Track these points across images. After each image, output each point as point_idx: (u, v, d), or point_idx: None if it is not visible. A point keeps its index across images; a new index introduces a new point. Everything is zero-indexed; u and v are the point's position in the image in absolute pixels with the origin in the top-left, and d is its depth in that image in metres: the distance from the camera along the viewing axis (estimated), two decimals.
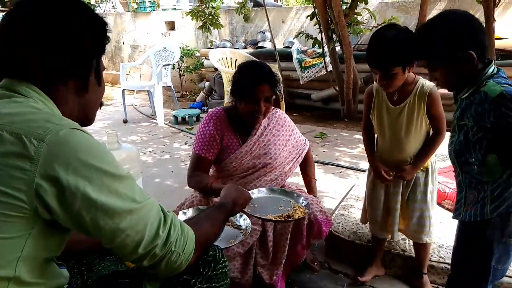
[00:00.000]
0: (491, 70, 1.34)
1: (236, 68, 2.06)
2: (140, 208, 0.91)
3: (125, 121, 5.63)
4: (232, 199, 1.44)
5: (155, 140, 4.78)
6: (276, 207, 1.79)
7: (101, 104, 1.11)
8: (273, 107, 2.14)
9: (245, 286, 1.88)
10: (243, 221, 1.59)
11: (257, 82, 1.90)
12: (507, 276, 1.84)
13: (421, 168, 1.87)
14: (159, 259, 0.95)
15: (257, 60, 2.09)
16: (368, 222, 2.13)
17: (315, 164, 3.81)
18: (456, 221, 1.53)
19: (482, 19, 4.17)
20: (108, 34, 1.03)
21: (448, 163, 3.41)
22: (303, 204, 1.80)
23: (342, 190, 3.17)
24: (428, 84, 1.77)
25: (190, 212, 1.68)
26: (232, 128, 2.06)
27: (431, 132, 1.85)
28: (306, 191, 2.25)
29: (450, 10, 1.42)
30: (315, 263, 2.22)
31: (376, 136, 2.01)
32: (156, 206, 0.97)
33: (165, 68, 5.72)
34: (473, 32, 1.32)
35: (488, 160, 1.32)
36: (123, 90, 5.72)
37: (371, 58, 1.71)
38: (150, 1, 8.37)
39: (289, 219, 1.69)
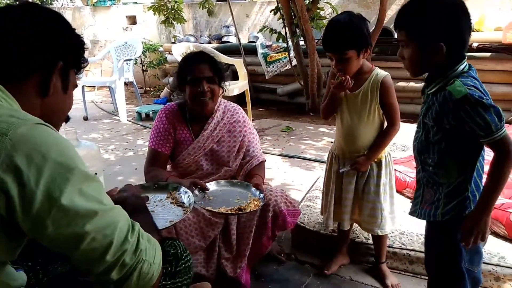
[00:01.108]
0: (461, 67, 1.27)
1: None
2: (108, 211, 0.86)
3: (85, 119, 5.44)
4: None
5: (118, 137, 4.65)
6: (232, 199, 1.77)
7: (68, 119, 1.07)
8: (233, 105, 2.13)
9: (209, 279, 1.85)
10: (187, 198, 1.55)
11: (195, 62, 1.92)
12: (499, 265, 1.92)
13: (375, 160, 1.89)
14: (129, 270, 0.87)
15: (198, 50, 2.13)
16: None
17: (281, 157, 3.89)
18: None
19: None
20: (84, 50, 1.04)
21: (409, 153, 3.52)
22: (260, 197, 1.78)
23: (307, 182, 3.20)
24: (382, 73, 1.81)
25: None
26: (185, 122, 2.04)
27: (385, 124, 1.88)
28: (269, 184, 2.24)
29: None
30: (282, 255, 2.23)
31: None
32: (124, 213, 0.92)
33: (126, 63, 5.57)
34: (459, 30, 1.25)
35: (445, 162, 1.31)
36: (83, 87, 5.52)
37: (326, 42, 1.75)
38: None
39: (240, 212, 1.69)
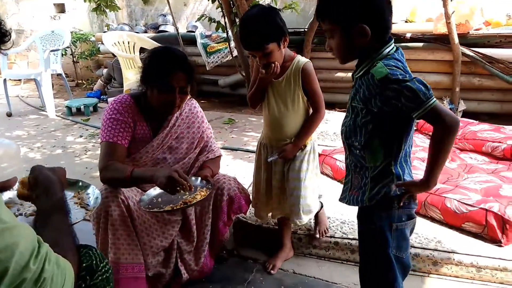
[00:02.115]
0: (387, 50, 1.26)
1: (147, 53, 1.85)
2: (5, 230, 0.71)
3: (9, 115, 4.98)
4: None
5: (45, 134, 4.29)
6: (180, 196, 1.70)
7: None
8: (190, 99, 1.98)
9: (167, 278, 1.84)
10: (95, 200, 1.42)
11: (172, 69, 1.71)
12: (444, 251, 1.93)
13: (301, 146, 1.90)
14: None
15: (170, 46, 1.90)
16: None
17: (224, 150, 3.79)
18: None
19: None
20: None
21: None
22: (207, 186, 1.75)
23: (250, 175, 3.09)
24: (303, 59, 1.83)
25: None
26: (143, 118, 1.85)
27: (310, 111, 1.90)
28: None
29: None
30: (223, 252, 2.14)
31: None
32: (29, 233, 0.77)
33: (54, 54, 5.15)
34: (376, 8, 1.22)
35: (372, 144, 1.29)
36: (5, 80, 5.04)
37: (244, 42, 1.74)
38: None
39: (186, 205, 1.65)
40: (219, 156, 2.05)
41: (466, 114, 4.30)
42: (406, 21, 5.05)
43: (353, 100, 1.32)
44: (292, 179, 1.91)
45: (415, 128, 3.41)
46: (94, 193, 1.44)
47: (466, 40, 4.30)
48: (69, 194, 1.43)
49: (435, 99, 1.18)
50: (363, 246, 1.43)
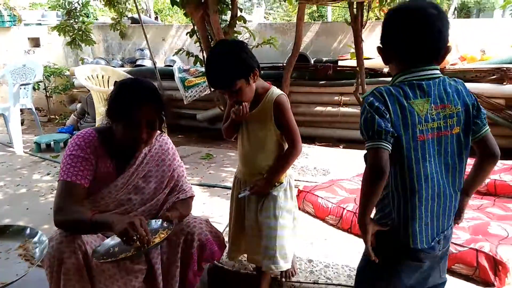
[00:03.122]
0: (400, 78, 1.24)
1: (114, 85, 1.68)
2: None
3: None
4: None
5: (10, 172, 4.03)
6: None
7: None
8: (160, 134, 1.82)
9: None
10: (41, 251, 1.25)
11: (139, 102, 1.56)
12: None
13: (276, 183, 1.79)
14: None
15: (140, 78, 1.76)
16: None
17: (200, 187, 3.62)
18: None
19: (352, 39, 4.43)
20: None
21: (330, 177, 3.45)
22: (169, 227, 1.57)
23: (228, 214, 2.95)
24: (277, 91, 1.75)
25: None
26: (108, 154, 1.67)
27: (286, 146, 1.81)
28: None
29: None
30: None
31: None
32: None
33: (24, 88, 4.96)
34: (395, 33, 1.24)
35: None
36: None
37: (210, 81, 1.70)
38: (9, 15, 7.35)
39: (140, 250, 1.43)
40: (191, 197, 1.87)
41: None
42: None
43: None
44: (266, 218, 1.76)
45: None
46: (41, 243, 1.27)
47: (443, 74, 4.34)
48: (15, 244, 1.26)
49: (374, 144, 1.16)
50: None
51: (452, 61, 4.41)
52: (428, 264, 1.28)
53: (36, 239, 1.27)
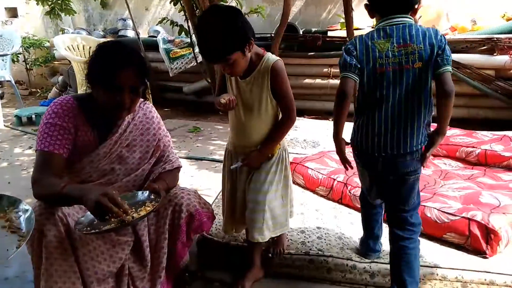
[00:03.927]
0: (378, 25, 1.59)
1: (94, 48, 1.56)
2: None
3: None
4: None
5: None
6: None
7: None
8: (144, 102, 1.74)
9: None
10: (27, 221, 1.17)
11: (121, 66, 1.46)
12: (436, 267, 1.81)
13: (269, 155, 1.71)
14: None
15: (120, 39, 1.64)
16: None
17: (188, 160, 3.56)
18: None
19: (342, 9, 4.30)
20: None
21: (320, 149, 3.41)
22: (153, 199, 1.51)
23: (217, 187, 2.88)
24: (273, 58, 1.63)
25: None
26: (88, 122, 1.58)
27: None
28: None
29: None
30: (185, 274, 1.90)
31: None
32: None
33: (1, 60, 4.76)
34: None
35: None
36: None
37: (203, 53, 1.55)
38: None
39: (124, 223, 1.35)
40: (178, 168, 1.79)
41: (433, 119, 4.26)
42: (373, 27, 5.01)
43: None
44: (254, 192, 1.70)
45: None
46: (25, 211, 1.18)
47: None
48: None
49: (343, 74, 1.53)
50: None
51: (442, 31, 4.34)
52: (380, 165, 1.61)
53: (19, 207, 1.18)
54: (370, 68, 1.50)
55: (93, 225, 1.41)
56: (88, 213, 1.45)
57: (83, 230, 1.36)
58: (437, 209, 2.03)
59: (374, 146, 1.57)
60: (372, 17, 1.59)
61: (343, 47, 1.57)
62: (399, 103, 1.50)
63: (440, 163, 2.95)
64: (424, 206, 2.06)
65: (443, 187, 2.44)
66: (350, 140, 1.67)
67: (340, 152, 1.63)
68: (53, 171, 1.48)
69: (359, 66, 1.51)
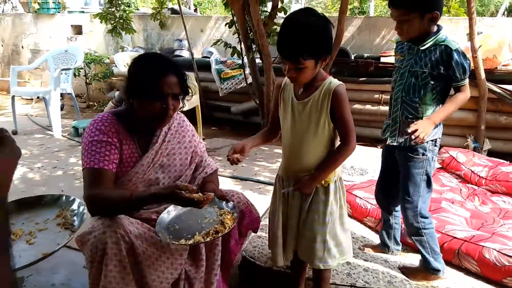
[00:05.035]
0: (443, 32, 1.76)
1: (132, 61, 1.64)
2: None
3: (14, 133, 4.83)
4: None
5: (48, 154, 4.12)
6: (201, 221, 1.59)
7: None
8: (177, 113, 1.80)
9: None
10: (80, 218, 1.20)
11: (163, 73, 1.55)
12: None
13: (322, 182, 1.60)
14: None
15: (152, 52, 1.73)
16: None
17: (232, 179, 3.56)
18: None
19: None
20: None
21: (368, 177, 3.30)
22: (229, 207, 1.62)
23: (260, 208, 2.83)
24: (336, 82, 1.55)
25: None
26: (130, 135, 1.64)
27: (337, 143, 1.62)
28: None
29: None
30: None
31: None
32: None
33: (65, 73, 5.06)
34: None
35: (427, 99, 1.78)
36: (13, 97, 4.93)
37: (279, 45, 1.47)
38: (54, 2, 7.56)
39: (219, 234, 1.50)
40: (217, 170, 1.88)
41: (492, 153, 4.03)
42: None
43: (414, 66, 1.78)
44: (315, 222, 1.61)
45: (440, 166, 3.19)
46: (79, 209, 1.23)
47: (493, 75, 4.09)
48: (53, 212, 1.23)
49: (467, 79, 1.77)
50: (411, 169, 1.86)
51: (504, 61, 4.13)
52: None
53: (74, 206, 1.23)
54: None
55: (172, 233, 1.52)
56: (160, 220, 1.56)
57: (174, 241, 1.46)
58: (497, 251, 1.89)
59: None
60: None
61: (460, 51, 1.71)
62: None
63: (499, 200, 2.76)
64: (483, 246, 1.93)
65: (503, 226, 2.27)
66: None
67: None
68: (106, 187, 1.52)
69: None
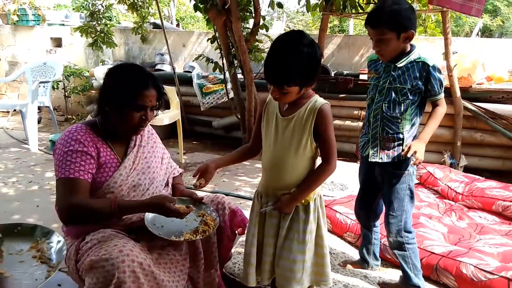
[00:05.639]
0: (417, 49, 1.83)
1: (110, 70, 1.67)
2: None
3: None
4: None
5: (23, 169, 4.01)
6: (182, 221, 1.65)
7: None
8: None
9: None
10: (59, 252, 1.19)
11: (145, 86, 1.60)
12: None
13: (302, 201, 1.58)
14: None
15: (127, 62, 1.77)
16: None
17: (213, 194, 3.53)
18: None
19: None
20: None
21: (348, 192, 3.33)
22: (209, 211, 1.75)
23: None
24: (321, 100, 1.56)
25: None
26: (105, 143, 1.66)
27: (318, 162, 1.61)
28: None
29: None
30: None
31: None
32: None
33: (43, 86, 4.97)
34: (416, 20, 1.77)
35: (406, 115, 1.83)
36: None
37: (266, 71, 1.49)
38: (34, 14, 7.46)
39: (206, 233, 1.64)
40: (182, 173, 2.04)
41: (468, 169, 4.13)
42: None
43: (392, 83, 1.82)
44: (295, 241, 1.58)
45: (418, 182, 3.24)
46: (58, 243, 1.18)
47: (468, 94, 4.22)
48: (26, 245, 1.17)
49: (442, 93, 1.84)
50: (394, 185, 1.89)
51: (478, 80, 4.27)
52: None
53: (51, 239, 1.18)
54: None
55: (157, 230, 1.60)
56: (146, 219, 1.62)
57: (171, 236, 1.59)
58: (474, 266, 1.92)
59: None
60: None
61: (436, 67, 1.78)
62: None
63: (475, 215, 2.82)
64: (460, 261, 1.96)
65: (479, 241, 2.32)
66: None
67: None
68: (81, 197, 1.50)
69: None
